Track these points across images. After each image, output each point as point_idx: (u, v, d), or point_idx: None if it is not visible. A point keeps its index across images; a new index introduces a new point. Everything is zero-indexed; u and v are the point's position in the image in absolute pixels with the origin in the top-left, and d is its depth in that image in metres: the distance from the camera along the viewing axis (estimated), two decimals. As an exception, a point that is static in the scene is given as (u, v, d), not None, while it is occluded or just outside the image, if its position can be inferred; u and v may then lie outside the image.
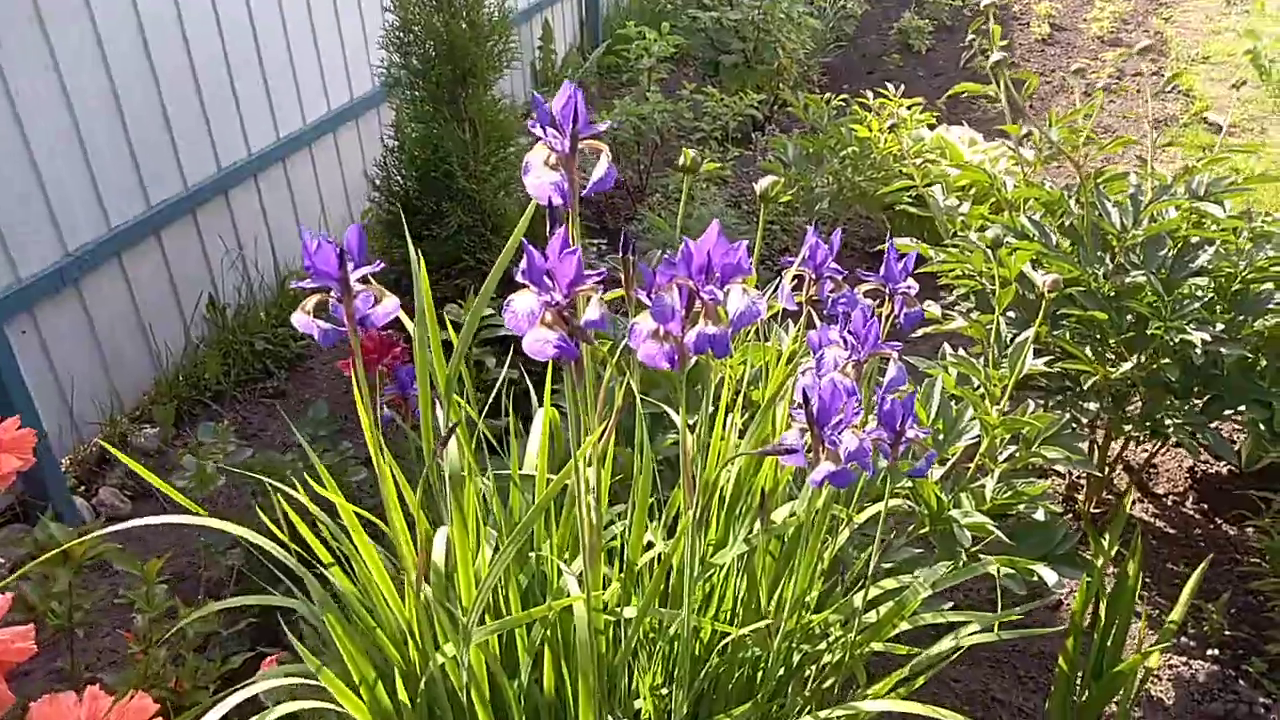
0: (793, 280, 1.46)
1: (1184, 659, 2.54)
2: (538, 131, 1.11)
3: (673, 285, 1.02)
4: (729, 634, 1.40)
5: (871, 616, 1.42)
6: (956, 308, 2.87)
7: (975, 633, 1.59)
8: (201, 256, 3.53)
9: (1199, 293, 2.34)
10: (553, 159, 1.11)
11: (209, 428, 2.58)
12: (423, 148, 2.90)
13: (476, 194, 2.89)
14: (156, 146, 3.27)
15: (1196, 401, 2.46)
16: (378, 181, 3.00)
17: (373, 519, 1.44)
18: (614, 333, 2.01)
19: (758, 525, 1.34)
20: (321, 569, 1.41)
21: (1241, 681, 2.47)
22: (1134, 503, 3.08)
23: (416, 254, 1.26)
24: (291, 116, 3.91)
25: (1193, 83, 6.22)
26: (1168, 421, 2.39)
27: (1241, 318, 2.33)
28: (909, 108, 3.99)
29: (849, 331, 1.25)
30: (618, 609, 1.29)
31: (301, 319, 1.12)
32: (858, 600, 1.39)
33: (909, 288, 1.39)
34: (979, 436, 2.24)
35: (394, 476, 1.29)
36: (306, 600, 1.32)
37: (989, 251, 2.52)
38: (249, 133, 3.68)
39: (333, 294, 1.16)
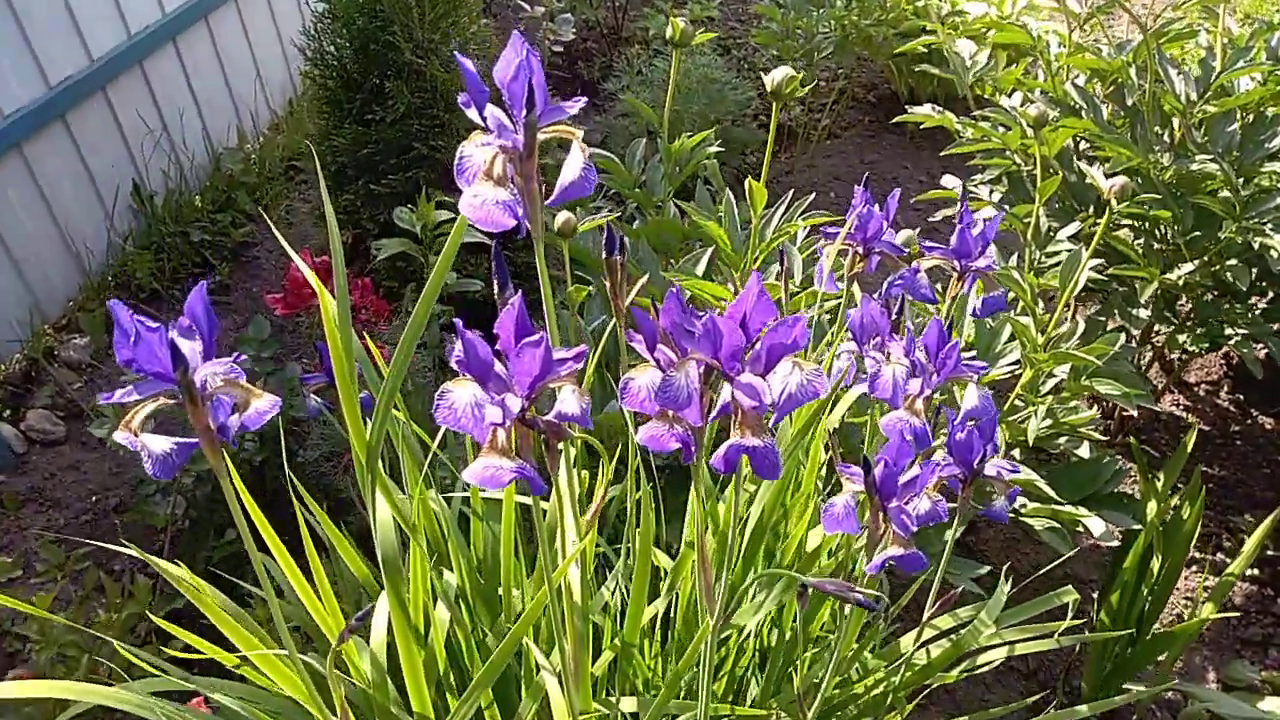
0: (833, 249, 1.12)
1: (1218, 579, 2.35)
2: (472, 115, 0.73)
3: (687, 361, 0.68)
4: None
5: (923, 657, 1.17)
6: (980, 190, 2.51)
7: (1031, 639, 1.35)
8: (119, 140, 3.09)
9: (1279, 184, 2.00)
10: (500, 164, 0.73)
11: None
12: (359, 12, 2.44)
13: (425, 68, 2.45)
14: (50, 19, 2.77)
15: (1260, 304, 2.17)
16: (308, 52, 2.55)
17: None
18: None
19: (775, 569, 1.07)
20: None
21: (1281, 600, 2.30)
22: (1165, 393, 2.84)
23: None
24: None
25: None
26: (1229, 331, 2.11)
27: (1325, 212, 2.00)
28: (924, -62, 3.47)
29: (924, 348, 0.91)
30: (611, 700, 1.01)
31: (125, 437, 0.77)
32: (906, 643, 1.14)
33: (989, 264, 1.04)
34: (1018, 362, 1.95)
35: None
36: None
37: (1032, 130, 2.16)
38: (160, -12, 3.16)
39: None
